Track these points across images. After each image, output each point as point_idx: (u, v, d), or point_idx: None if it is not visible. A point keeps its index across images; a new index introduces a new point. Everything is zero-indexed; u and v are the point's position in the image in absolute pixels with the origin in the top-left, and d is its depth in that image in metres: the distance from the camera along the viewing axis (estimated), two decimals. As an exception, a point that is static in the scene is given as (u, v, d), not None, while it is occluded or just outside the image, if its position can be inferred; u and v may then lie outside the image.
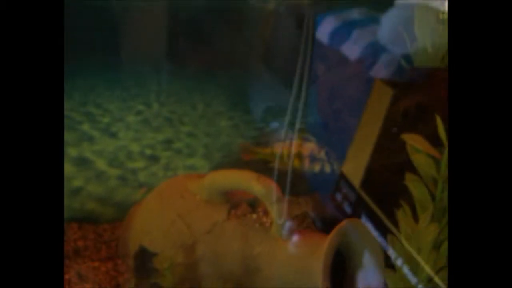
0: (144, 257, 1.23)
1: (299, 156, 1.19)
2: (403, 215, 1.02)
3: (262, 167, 1.30)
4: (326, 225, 1.47)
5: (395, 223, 1.08)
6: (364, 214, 1.29)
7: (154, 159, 1.77)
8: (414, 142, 1.01)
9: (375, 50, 1.49)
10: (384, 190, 1.19)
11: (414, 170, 1.00)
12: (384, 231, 1.14)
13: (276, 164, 1.13)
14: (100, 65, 1.80)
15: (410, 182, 1.01)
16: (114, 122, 1.85)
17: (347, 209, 1.38)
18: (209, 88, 2.01)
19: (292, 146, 1.20)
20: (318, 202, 1.57)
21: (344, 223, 1.05)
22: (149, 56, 1.85)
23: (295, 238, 1.09)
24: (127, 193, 1.64)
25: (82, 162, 1.69)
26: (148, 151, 1.79)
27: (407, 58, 1.34)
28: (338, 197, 1.43)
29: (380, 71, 1.45)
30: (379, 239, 1.14)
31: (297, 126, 1.25)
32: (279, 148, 1.21)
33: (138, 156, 1.76)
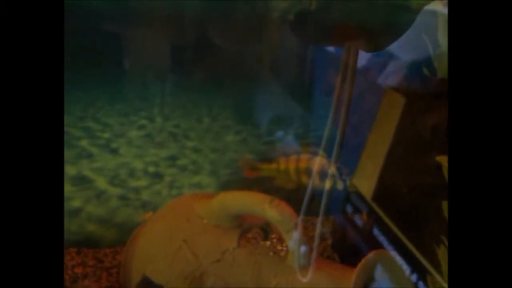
0: (148, 288, 1.14)
1: (307, 172, 1.11)
2: (444, 253, 0.91)
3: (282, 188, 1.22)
4: (344, 248, 1.38)
5: (428, 256, 0.98)
6: (377, 228, 1.21)
7: (157, 176, 1.70)
8: None
9: (383, 58, 1.42)
10: (411, 214, 1.09)
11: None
12: (410, 259, 1.04)
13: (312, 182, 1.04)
14: (100, 77, 1.74)
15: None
16: (115, 138, 1.78)
17: (358, 222, 1.30)
18: (216, 100, 1.95)
19: (300, 161, 1.11)
20: (332, 222, 1.48)
21: (371, 255, 0.95)
22: (153, 67, 1.78)
23: (315, 270, 0.99)
24: (129, 213, 1.56)
25: (81, 180, 1.63)
26: (151, 168, 1.73)
27: (430, 67, 1.26)
28: (349, 209, 1.36)
29: (388, 79, 1.38)
30: (405, 268, 1.03)
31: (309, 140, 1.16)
32: (284, 163, 1.13)
33: (140, 174, 1.70)
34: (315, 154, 1.13)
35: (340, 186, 1.11)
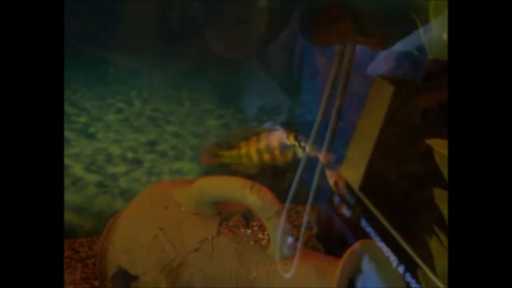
0: (123, 280, 1.10)
1: (268, 149, 1.07)
2: (437, 245, 0.86)
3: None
4: (329, 238, 1.34)
5: (418, 247, 0.94)
6: (364, 218, 1.18)
7: (136, 162, 1.65)
8: (444, 150, 0.85)
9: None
10: (400, 203, 1.05)
11: (445, 185, 0.84)
12: (399, 251, 1.00)
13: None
14: (75, 58, 1.67)
15: (442, 201, 0.85)
16: (91, 122, 1.71)
17: (346, 212, 1.28)
18: (197, 83, 1.89)
19: (259, 141, 1.08)
20: (318, 211, 1.44)
21: (356, 246, 0.90)
22: (131, 47, 1.72)
23: (298, 261, 0.94)
24: (107, 201, 1.52)
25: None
26: (129, 154, 1.67)
27: (420, 48, 1.23)
28: (336, 200, 1.33)
29: (378, 67, 1.35)
30: (394, 262, 0.99)
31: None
32: (245, 147, 1.09)
33: (118, 160, 1.64)
34: (272, 130, 1.10)
35: (300, 154, 1.08)
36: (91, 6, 1.46)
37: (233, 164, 1.11)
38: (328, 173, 1.21)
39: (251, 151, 1.07)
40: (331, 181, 1.22)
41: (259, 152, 1.07)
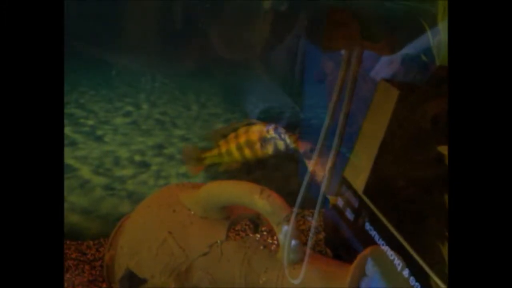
0: (131, 283, 1.09)
1: (248, 144, 1.08)
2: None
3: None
4: (337, 242, 1.34)
5: (427, 253, 0.93)
6: (369, 223, 1.18)
7: (144, 165, 1.65)
8: None
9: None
10: (406, 207, 1.05)
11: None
12: (405, 255, 1.00)
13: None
14: (84, 61, 1.67)
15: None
16: (99, 125, 1.73)
17: (350, 215, 1.27)
18: (205, 87, 1.89)
19: (238, 137, 1.08)
20: (324, 216, 1.44)
21: (367, 251, 0.90)
22: (139, 51, 1.72)
23: (307, 266, 0.94)
24: (114, 204, 1.52)
25: (64, 169, 1.57)
26: (137, 157, 1.68)
27: (428, 54, 1.22)
28: (340, 203, 1.32)
29: (383, 70, 1.34)
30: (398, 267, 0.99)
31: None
32: (225, 145, 1.09)
33: (126, 163, 1.65)
34: (250, 125, 1.10)
35: (281, 146, 1.08)
36: (92, 6, 1.47)
37: (215, 164, 1.12)
38: (307, 162, 1.21)
39: (231, 148, 1.08)
40: (311, 170, 1.22)
41: (239, 147, 1.07)
